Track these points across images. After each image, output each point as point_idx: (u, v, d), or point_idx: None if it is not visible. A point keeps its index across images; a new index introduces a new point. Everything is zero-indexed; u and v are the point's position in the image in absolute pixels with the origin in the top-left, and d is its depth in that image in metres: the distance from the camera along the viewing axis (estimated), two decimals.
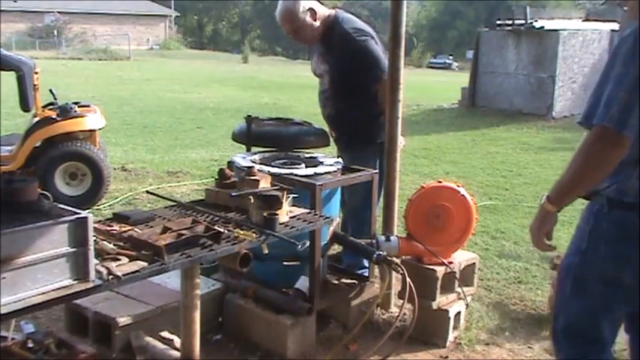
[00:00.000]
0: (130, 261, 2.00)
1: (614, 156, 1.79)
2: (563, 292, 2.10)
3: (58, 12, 36.32)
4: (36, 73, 5.25)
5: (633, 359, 2.23)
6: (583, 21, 14.66)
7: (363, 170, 3.27)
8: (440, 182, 3.25)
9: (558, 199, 1.93)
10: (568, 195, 1.92)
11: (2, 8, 30.67)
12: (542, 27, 12.94)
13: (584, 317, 2.05)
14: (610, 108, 1.75)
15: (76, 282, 1.80)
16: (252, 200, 2.52)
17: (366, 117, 3.49)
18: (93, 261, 1.84)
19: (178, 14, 47.49)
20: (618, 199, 1.90)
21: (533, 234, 2.01)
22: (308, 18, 3.39)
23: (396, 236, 3.19)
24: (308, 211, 2.73)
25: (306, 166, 3.14)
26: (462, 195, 3.13)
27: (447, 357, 3.06)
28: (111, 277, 1.88)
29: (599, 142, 1.79)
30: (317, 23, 3.42)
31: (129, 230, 2.28)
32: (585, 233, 1.99)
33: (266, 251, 2.41)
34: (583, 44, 13.09)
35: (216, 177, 2.88)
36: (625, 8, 2.08)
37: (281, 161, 3.21)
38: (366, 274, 3.39)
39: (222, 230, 2.25)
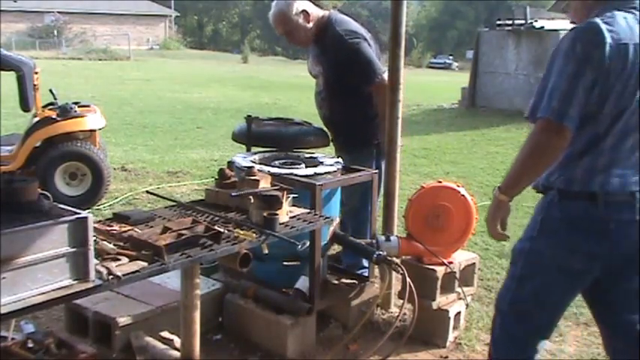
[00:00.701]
0: (130, 261, 2.00)
1: (556, 146, 1.92)
2: (513, 275, 2.21)
3: (58, 12, 36.30)
4: (36, 73, 5.26)
5: (604, 334, 2.30)
6: None
7: (363, 170, 3.27)
8: (440, 182, 3.25)
9: (509, 189, 2.05)
10: (517, 185, 2.05)
11: (2, 8, 30.64)
12: (542, 27, 12.95)
13: (532, 300, 2.15)
14: (551, 101, 1.89)
15: (76, 282, 1.80)
16: (252, 200, 2.52)
17: (362, 118, 3.49)
18: (93, 261, 1.84)
19: (178, 14, 47.47)
20: (566, 190, 2.02)
21: (488, 223, 2.13)
22: (301, 20, 3.39)
23: (396, 236, 3.19)
24: (308, 211, 2.73)
25: (306, 166, 3.14)
26: (462, 195, 3.13)
27: (447, 357, 3.06)
28: (111, 277, 1.88)
29: (542, 134, 1.92)
30: (310, 25, 3.41)
31: (129, 230, 2.28)
32: (537, 222, 2.10)
33: (266, 251, 2.41)
34: None
35: (216, 177, 2.88)
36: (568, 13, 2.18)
37: (281, 161, 3.21)
38: (366, 274, 3.39)
39: (222, 230, 2.25)
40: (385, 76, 3.32)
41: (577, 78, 1.88)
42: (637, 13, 2.00)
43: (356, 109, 3.48)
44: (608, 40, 1.89)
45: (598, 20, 1.93)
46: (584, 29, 1.94)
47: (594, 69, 1.89)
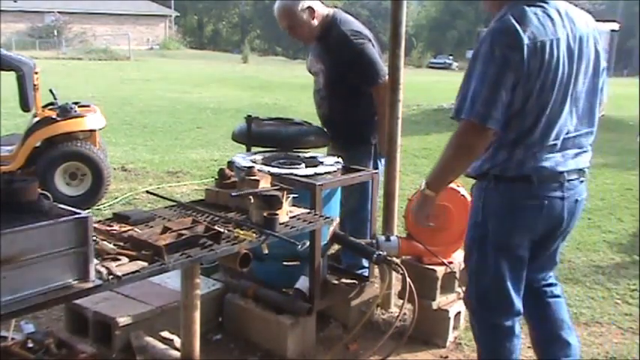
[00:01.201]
0: (130, 261, 2.00)
1: (480, 146, 2.06)
2: (471, 265, 2.36)
3: (58, 12, 36.32)
4: (36, 73, 5.25)
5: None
6: None
7: (363, 170, 3.28)
8: None
9: (436, 185, 2.23)
10: (444, 181, 2.24)
11: (2, 8, 30.68)
12: None
13: (492, 285, 2.28)
14: (474, 104, 2.01)
15: (76, 282, 1.80)
16: (252, 200, 2.52)
17: (361, 118, 3.49)
18: (93, 261, 1.84)
19: (178, 14, 47.49)
20: (502, 175, 2.16)
21: (414, 215, 2.34)
22: (306, 16, 3.39)
23: (396, 236, 3.19)
24: (308, 211, 2.73)
25: (306, 166, 3.14)
26: (462, 195, 3.12)
27: (447, 357, 3.06)
28: (111, 277, 1.88)
29: (466, 134, 2.06)
30: (315, 22, 3.42)
31: (129, 230, 2.28)
32: (479, 208, 2.25)
33: (266, 251, 2.41)
34: None
35: (216, 177, 2.88)
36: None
37: (281, 161, 3.21)
38: (366, 274, 3.39)
39: (222, 230, 2.25)
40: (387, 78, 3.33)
41: (498, 81, 1.98)
42: (545, 6, 2.08)
43: (356, 108, 3.48)
44: (525, 41, 1.98)
45: (512, 20, 2.01)
46: (500, 31, 2.03)
47: (514, 71, 1.99)
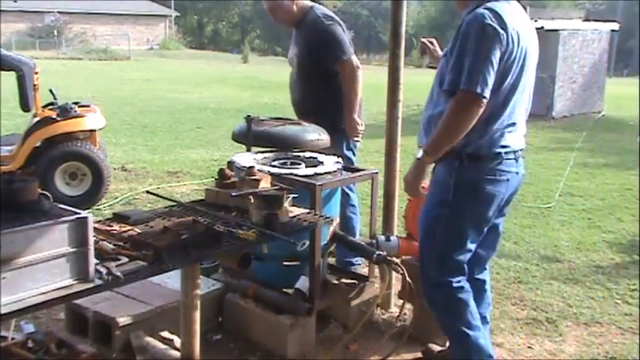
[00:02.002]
0: (130, 261, 2.00)
1: (477, 113, 2.24)
2: (434, 242, 2.51)
3: (58, 12, 36.29)
4: (36, 73, 5.25)
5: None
6: (583, 21, 14.66)
7: (363, 170, 3.28)
8: None
9: (434, 152, 2.37)
10: (442, 148, 2.34)
11: (2, 8, 30.67)
12: (542, 27, 12.92)
13: (457, 256, 2.49)
14: (472, 75, 2.21)
15: (76, 282, 1.80)
16: (252, 200, 2.52)
17: (331, 103, 3.63)
18: (93, 261, 1.84)
19: (178, 14, 47.44)
20: (475, 154, 2.36)
21: (409, 184, 2.46)
22: (286, 1, 3.62)
23: (396, 236, 3.19)
24: (308, 211, 2.73)
25: (306, 166, 3.14)
26: None
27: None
28: (111, 277, 1.88)
29: (466, 103, 2.24)
30: (295, 8, 3.64)
31: (129, 230, 2.29)
32: (449, 186, 2.42)
33: (266, 251, 2.41)
34: (583, 44, 13.08)
35: (216, 177, 2.88)
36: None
37: (281, 161, 3.21)
38: (359, 264, 3.45)
39: (222, 230, 2.25)
40: (353, 58, 3.55)
41: (489, 55, 2.21)
42: (509, 2, 2.35)
43: (325, 92, 3.63)
44: (508, 25, 2.24)
45: (494, 8, 2.26)
46: (487, 15, 2.24)
47: (501, 46, 2.23)
